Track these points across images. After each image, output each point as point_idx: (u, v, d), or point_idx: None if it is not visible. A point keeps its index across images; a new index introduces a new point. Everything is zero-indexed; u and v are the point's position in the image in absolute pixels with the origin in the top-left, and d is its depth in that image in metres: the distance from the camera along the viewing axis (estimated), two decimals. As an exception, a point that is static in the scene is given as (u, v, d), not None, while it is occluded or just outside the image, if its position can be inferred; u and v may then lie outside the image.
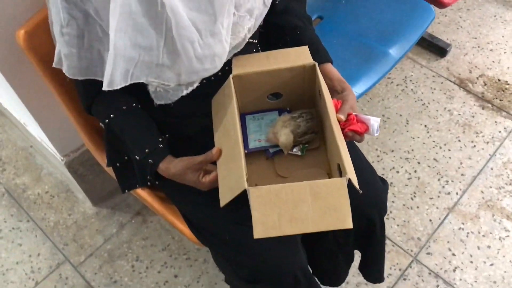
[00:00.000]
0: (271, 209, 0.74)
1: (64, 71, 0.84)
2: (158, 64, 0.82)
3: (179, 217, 1.06)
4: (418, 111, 1.84)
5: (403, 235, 1.54)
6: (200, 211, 0.98)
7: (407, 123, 1.81)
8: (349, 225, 0.73)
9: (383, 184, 1.06)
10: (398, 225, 1.56)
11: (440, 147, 1.74)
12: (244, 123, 0.98)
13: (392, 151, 1.74)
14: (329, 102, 0.86)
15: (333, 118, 0.83)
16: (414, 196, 1.63)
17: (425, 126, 1.80)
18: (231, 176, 0.81)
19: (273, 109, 1.00)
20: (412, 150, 1.74)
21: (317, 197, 0.74)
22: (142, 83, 0.86)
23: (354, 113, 0.89)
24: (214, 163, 0.87)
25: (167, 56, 0.81)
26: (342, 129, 0.87)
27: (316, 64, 0.90)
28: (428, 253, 1.50)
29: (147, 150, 0.90)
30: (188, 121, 0.97)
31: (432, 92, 1.89)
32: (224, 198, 0.80)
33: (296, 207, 0.74)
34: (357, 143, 0.96)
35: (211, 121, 0.92)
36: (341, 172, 0.78)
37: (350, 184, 0.75)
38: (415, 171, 1.68)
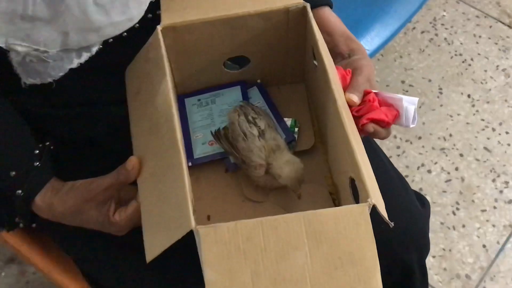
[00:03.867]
0: (239, 265, 0.70)
1: None
2: (27, 15, 0.79)
3: (75, 275, 1.05)
4: (457, 73, 1.87)
5: (443, 272, 1.55)
6: (111, 268, 0.97)
7: (440, 93, 1.83)
8: (377, 285, 0.72)
9: (423, 207, 1.06)
10: (434, 257, 1.58)
11: (493, 129, 1.77)
12: (184, 112, 0.96)
13: (419, 138, 1.75)
14: (332, 72, 0.84)
15: (340, 99, 0.81)
16: (457, 209, 1.64)
17: (468, 96, 1.83)
18: (165, 206, 0.78)
19: (232, 83, 0.98)
20: (450, 135, 1.76)
21: (319, 239, 0.71)
22: None
23: (373, 91, 0.87)
24: (134, 183, 0.83)
25: (44, 3, 0.78)
26: (356, 118, 0.85)
27: (308, 6, 0.88)
28: (483, 299, 1.54)
29: (13, 173, 0.86)
30: (85, 113, 0.95)
31: (477, 42, 1.93)
32: (154, 247, 0.75)
33: (284, 260, 0.71)
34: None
35: (127, 111, 0.90)
36: (354, 190, 0.77)
37: (372, 211, 0.72)
38: (456, 169, 1.70)
